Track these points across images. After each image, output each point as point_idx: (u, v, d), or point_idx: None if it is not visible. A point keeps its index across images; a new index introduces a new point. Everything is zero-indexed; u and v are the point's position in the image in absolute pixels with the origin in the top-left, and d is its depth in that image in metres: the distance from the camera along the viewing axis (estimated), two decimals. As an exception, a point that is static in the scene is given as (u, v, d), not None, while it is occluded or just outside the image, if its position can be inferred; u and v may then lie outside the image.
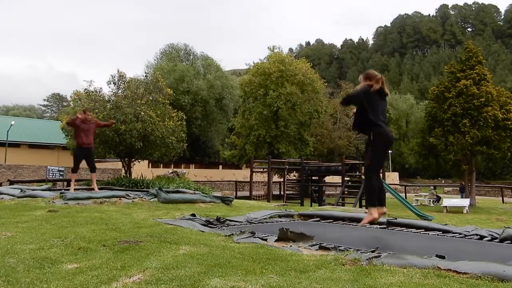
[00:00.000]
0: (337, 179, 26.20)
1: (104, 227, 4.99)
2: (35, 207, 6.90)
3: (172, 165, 32.79)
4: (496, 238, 5.23)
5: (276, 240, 4.44)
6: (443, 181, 52.70)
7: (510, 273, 2.76)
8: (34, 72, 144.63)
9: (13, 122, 33.53)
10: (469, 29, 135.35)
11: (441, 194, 29.99)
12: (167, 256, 3.42)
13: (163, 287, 2.57)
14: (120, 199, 8.12)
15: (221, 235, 4.70)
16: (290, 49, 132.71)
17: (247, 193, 23.56)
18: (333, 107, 36.12)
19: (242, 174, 35.06)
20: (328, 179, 27.84)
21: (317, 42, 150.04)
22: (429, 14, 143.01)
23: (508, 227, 5.29)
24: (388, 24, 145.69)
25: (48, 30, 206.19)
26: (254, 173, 22.14)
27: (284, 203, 13.77)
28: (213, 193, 11.41)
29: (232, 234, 4.67)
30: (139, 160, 15.40)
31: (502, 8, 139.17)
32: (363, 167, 19.85)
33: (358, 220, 6.81)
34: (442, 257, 3.31)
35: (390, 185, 20.26)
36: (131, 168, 15.04)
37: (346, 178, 20.55)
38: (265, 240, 4.42)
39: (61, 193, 8.50)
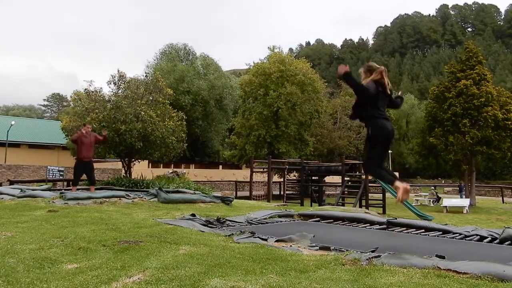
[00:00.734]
0: (337, 179, 26.19)
1: (104, 227, 4.99)
2: (35, 207, 6.90)
3: (172, 165, 32.76)
4: (496, 238, 5.23)
5: (276, 240, 4.45)
6: (443, 181, 52.66)
7: (510, 273, 2.76)
8: (34, 72, 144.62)
9: (13, 122, 33.53)
10: (469, 29, 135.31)
11: (441, 194, 29.98)
12: (167, 256, 3.42)
13: (163, 287, 2.57)
14: (120, 199, 8.12)
15: (221, 235, 4.70)
16: (290, 49, 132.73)
17: (247, 193, 23.55)
18: (333, 107, 36.09)
19: (242, 174, 35.05)
20: (328, 179, 27.83)
21: (317, 42, 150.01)
22: (429, 14, 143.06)
23: (508, 227, 5.29)
24: (388, 24, 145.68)
25: (48, 30, 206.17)
26: (254, 173, 22.12)
27: (284, 203, 13.77)
28: (213, 193, 11.41)
29: (232, 234, 4.67)
30: (139, 160, 15.39)
31: (502, 8, 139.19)
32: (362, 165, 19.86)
33: (358, 220, 6.81)
34: (442, 257, 3.31)
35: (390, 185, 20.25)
36: (131, 168, 15.03)
37: (346, 178, 20.54)
38: (265, 240, 4.42)
39: (61, 193, 8.51)
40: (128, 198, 8.31)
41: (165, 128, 13.68)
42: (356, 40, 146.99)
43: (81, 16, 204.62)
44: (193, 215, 6.34)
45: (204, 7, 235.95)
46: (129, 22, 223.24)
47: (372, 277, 2.82)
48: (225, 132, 41.84)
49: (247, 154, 29.66)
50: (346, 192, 20.78)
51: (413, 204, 20.16)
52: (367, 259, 3.28)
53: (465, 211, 19.47)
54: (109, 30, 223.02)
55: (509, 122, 21.73)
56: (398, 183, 3.75)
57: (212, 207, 8.33)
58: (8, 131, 31.94)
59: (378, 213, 11.76)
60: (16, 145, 35.04)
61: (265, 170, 22.44)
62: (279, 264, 3.24)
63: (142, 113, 13.15)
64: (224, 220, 6.21)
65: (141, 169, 20.22)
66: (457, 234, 5.55)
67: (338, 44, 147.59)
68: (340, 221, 6.87)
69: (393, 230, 6.02)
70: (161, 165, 31.21)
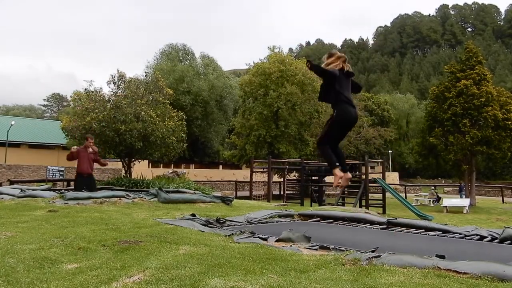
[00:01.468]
0: (337, 179, 26.13)
1: (104, 227, 4.99)
2: (35, 207, 6.89)
3: (172, 165, 32.77)
4: (496, 238, 5.23)
5: (276, 240, 4.45)
6: (443, 181, 52.68)
7: (510, 273, 2.76)
8: (34, 72, 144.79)
9: (13, 122, 33.52)
10: (469, 29, 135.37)
11: (441, 194, 29.98)
12: (167, 256, 3.42)
13: (163, 287, 2.57)
14: (120, 199, 8.11)
15: (221, 235, 4.70)
16: (290, 49, 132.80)
17: (247, 193, 23.55)
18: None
19: (242, 174, 35.05)
20: (328, 179, 27.82)
21: (317, 42, 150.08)
22: (429, 14, 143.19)
23: (508, 227, 5.29)
24: (388, 24, 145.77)
25: (48, 30, 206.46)
26: (254, 173, 22.12)
27: (284, 203, 13.77)
28: (213, 193, 11.41)
29: (232, 234, 4.67)
30: (139, 160, 15.40)
31: (502, 8, 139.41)
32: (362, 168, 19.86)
33: (358, 220, 6.81)
34: (442, 257, 3.31)
35: (390, 185, 20.27)
36: (131, 168, 15.03)
37: (346, 178, 20.50)
38: (265, 240, 4.42)
39: (61, 193, 8.50)
40: (128, 198, 8.31)
41: (165, 128, 13.68)
42: (356, 40, 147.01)
43: (81, 16, 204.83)
44: (193, 215, 6.34)
45: (204, 7, 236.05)
46: (129, 22, 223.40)
47: (372, 277, 2.82)
48: (225, 132, 41.84)
49: (247, 154, 29.66)
50: (346, 192, 20.78)
51: (413, 204, 20.17)
52: (367, 259, 3.28)
53: (465, 211, 19.48)
54: (109, 30, 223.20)
55: (509, 122, 21.74)
56: (337, 171, 3.87)
57: (212, 207, 8.33)
58: (8, 131, 31.94)
59: (378, 213, 11.76)
60: (16, 145, 35.04)
61: (265, 170, 22.44)
62: (279, 264, 3.24)
63: (142, 113, 13.14)
64: (224, 220, 6.21)
65: (141, 169, 20.23)
66: (457, 234, 5.55)
67: (338, 44, 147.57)
68: (340, 221, 6.87)
69: (393, 230, 6.02)
70: (161, 165, 31.23)
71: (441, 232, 5.74)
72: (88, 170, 9.36)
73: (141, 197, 8.61)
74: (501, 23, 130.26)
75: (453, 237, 5.47)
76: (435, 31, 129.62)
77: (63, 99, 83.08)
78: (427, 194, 26.77)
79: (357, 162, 22.33)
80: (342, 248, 4.04)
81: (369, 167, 19.96)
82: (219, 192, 20.72)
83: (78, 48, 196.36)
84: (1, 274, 2.80)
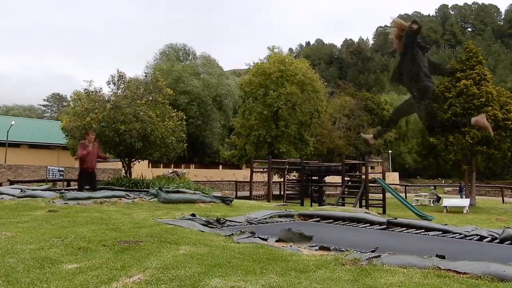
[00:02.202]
0: (337, 179, 26.19)
1: (104, 227, 4.99)
2: (35, 207, 6.89)
3: (172, 165, 32.76)
4: (496, 238, 5.23)
5: (277, 240, 4.45)
6: (443, 181, 52.68)
7: (510, 273, 2.76)
8: (34, 72, 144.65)
9: (13, 122, 33.53)
10: (469, 29, 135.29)
11: (441, 194, 29.99)
12: (167, 256, 3.42)
13: (163, 287, 2.57)
14: (120, 199, 8.11)
15: (221, 235, 4.70)
16: (290, 49, 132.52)
17: (247, 193, 23.55)
18: (333, 107, 36.11)
19: (242, 174, 35.05)
20: (328, 179, 27.84)
21: (317, 42, 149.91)
22: (429, 14, 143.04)
23: (508, 227, 5.29)
24: (388, 24, 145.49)
25: (49, 31, 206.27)
26: (254, 173, 22.13)
27: (284, 203, 13.77)
28: (213, 193, 11.41)
29: (232, 234, 4.67)
30: (139, 160, 15.39)
31: (502, 8, 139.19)
32: (362, 168, 19.86)
33: (358, 220, 6.81)
34: (442, 257, 3.31)
35: (390, 185, 20.28)
36: (131, 168, 15.03)
37: (346, 178, 20.55)
38: (265, 240, 4.42)
39: (61, 193, 8.50)
40: (128, 198, 8.31)
41: (165, 128, 13.68)
42: (356, 40, 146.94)
43: (81, 16, 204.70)
44: (193, 215, 6.34)
45: (204, 7, 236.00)
46: (129, 22, 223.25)
47: (372, 277, 2.82)
48: (222, 131, 41.77)
49: (247, 154, 29.65)
50: (346, 192, 20.79)
51: (413, 204, 20.17)
52: (367, 259, 3.28)
53: (465, 211, 19.48)
54: (109, 31, 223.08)
55: (509, 122, 21.74)
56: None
57: (212, 207, 8.33)
58: (8, 131, 31.94)
59: (378, 213, 11.76)
60: (16, 145, 35.04)
61: (265, 170, 22.44)
62: (279, 264, 3.24)
63: (142, 113, 13.14)
64: (224, 220, 6.21)
65: (141, 169, 20.21)
66: (457, 234, 5.55)
67: (338, 44, 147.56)
68: (340, 221, 6.87)
69: (393, 230, 6.02)
70: (161, 165, 31.21)
71: (441, 232, 5.74)
72: (93, 165, 9.64)
73: (141, 197, 8.61)
74: (501, 23, 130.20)
75: (453, 237, 5.47)
76: (435, 31, 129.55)
77: (63, 99, 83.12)
78: (427, 194, 26.78)
79: (357, 162, 22.33)
80: (342, 248, 4.04)
81: (369, 167, 19.96)
82: (219, 192, 20.72)
83: (78, 48, 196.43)
84: (1, 274, 2.80)
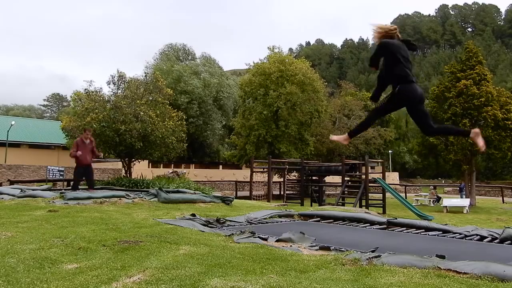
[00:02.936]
0: (337, 179, 26.19)
1: (104, 227, 4.99)
2: (35, 207, 6.89)
3: (172, 165, 32.76)
4: (496, 238, 5.23)
5: (277, 240, 4.45)
6: (443, 181, 52.68)
7: (510, 273, 2.76)
8: (34, 72, 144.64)
9: (13, 122, 33.51)
10: (469, 29, 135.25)
11: (441, 194, 29.99)
12: (167, 256, 3.42)
13: (163, 287, 2.57)
14: (120, 199, 8.11)
15: (221, 235, 4.70)
16: (290, 49, 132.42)
17: (247, 193, 23.55)
18: (333, 107, 36.10)
19: (242, 174, 35.05)
20: (328, 179, 27.83)
21: (317, 42, 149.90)
22: (429, 14, 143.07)
23: (508, 227, 5.29)
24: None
25: (49, 31, 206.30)
26: (254, 173, 22.12)
27: (284, 203, 13.77)
28: (213, 193, 11.41)
29: (232, 234, 4.67)
30: (139, 160, 15.39)
31: (502, 8, 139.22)
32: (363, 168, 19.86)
33: (358, 220, 6.82)
34: (442, 257, 3.31)
35: (390, 185, 20.27)
36: (131, 168, 15.02)
37: (346, 178, 20.54)
38: (265, 240, 4.42)
39: (61, 193, 8.50)
40: (128, 198, 8.31)
41: (165, 128, 13.67)
42: (356, 40, 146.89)
43: (80, 16, 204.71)
44: (193, 215, 6.34)
45: (205, 7, 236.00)
46: (129, 22, 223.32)
47: (372, 277, 2.82)
48: (224, 132, 41.77)
49: (247, 154, 29.65)
50: (346, 192, 20.78)
51: (413, 204, 20.17)
52: (367, 259, 3.28)
53: (465, 211, 19.48)
54: (109, 31, 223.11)
55: (509, 122, 21.74)
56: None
57: (212, 207, 8.33)
58: (8, 131, 31.93)
59: (378, 213, 11.76)
60: (16, 145, 35.02)
61: (265, 170, 22.43)
62: (279, 264, 3.24)
63: (142, 113, 13.14)
64: (224, 220, 6.21)
65: (141, 169, 20.22)
66: (457, 234, 5.55)
67: (338, 44, 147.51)
68: (340, 221, 6.87)
69: (393, 230, 6.02)
70: (161, 165, 31.22)
71: (441, 232, 5.74)
72: (87, 161, 9.72)
73: (141, 197, 8.61)
74: (501, 23, 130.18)
75: (453, 237, 5.47)
76: (435, 31, 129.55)
77: (63, 99, 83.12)
78: (427, 194, 26.78)
79: (357, 162, 22.31)
80: (342, 248, 4.04)
81: (369, 167, 19.94)
82: (219, 192, 20.72)
83: (78, 48, 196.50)
84: (1, 274, 2.80)
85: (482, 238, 5.35)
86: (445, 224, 6.54)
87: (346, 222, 6.79)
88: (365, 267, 3.08)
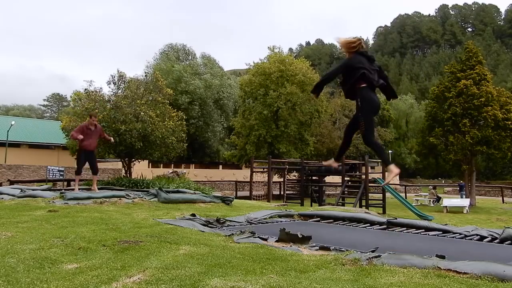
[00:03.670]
0: (337, 179, 26.19)
1: (104, 227, 4.99)
2: (35, 207, 6.89)
3: (172, 165, 32.75)
4: (496, 238, 5.23)
5: (277, 240, 4.45)
6: (443, 181, 52.69)
7: (510, 273, 2.76)
8: (34, 72, 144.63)
9: (13, 122, 33.51)
10: (469, 29, 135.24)
11: (441, 194, 29.99)
12: (167, 256, 3.42)
13: (163, 287, 2.57)
14: (120, 199, 8.11)
15: (221, 235, 4.70)
16: (290, 49, 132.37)
17: (247, 193, 23.55)
18: (333, 107, 36.10)
19: (242, 174, 35.05)
20: (328, 179, 27.84)
21: (317, 42, 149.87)
22: (429, 14, 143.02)
23: (508, 227, 5.29)
24: (388, 24, 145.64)
25: (49, 31, 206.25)
26: (254, 173, 22.12)
27: (284, 203, 13.77)
28: (213, 193, 11.40)
29: (232, 234, 4.67)
30: (139, 160, 15.39)
31: (502, 8, 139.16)
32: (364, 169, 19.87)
33: (358, 220, 6.82)
34: (442, 257, 3.31)
35: (390, 185, 20.27)
36: (131, 168, 15.02)
37: (346, 178, 20.55)
38: (265, 240, 4.42)
39: (61, 193, 8.50)
40: (128, 198, 8.30)
41: (165, 128, 13.68)
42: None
43: (80, 16, 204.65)
44: (193, 215, 6.34)
45: (205, 7, 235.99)
46: (129, 22, 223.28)
47: (372, 277, 2.82)
48: (224, 132, 41.78)
49: (247, 154, 29.65)
50: (346, 192, 20.78)
51: (413, 204, 20.17)
52: (367, 259, 3.28)
53: (465, 211, 19.48)
54: (109, 31, 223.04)
55: (509, 122, 21.74)
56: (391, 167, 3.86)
57: (212, 207, 8.33)
58: (8, 131, 31.93)
59: (378, 213, 11.76)
60: (16, 145, 35.03)
61: (265, 170, 22.44)
62: (279, 264, 3.24)
63: (142, 113, 13.14)
64: (224, 220, 6.21)
65: (141, 169, 20.22)
66: (457, 234, 5.55)
67: (338, 44, 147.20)
68: (340, 221, 6.87)
69: (393, 230, 6.02)
70: (161, 165, 31.21)
71: (441, 232, 5.74)
72: (90, 147, 9.63)
73: (141, 197, 8.60)
74: (501, 23, 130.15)
75: (453, 237, 5.47)
76: (435, 31, 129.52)
77: (63, 99, 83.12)
78: (427, 194, 26.78)
79: (357, 162, 22.32)
80: (342, 248, 4.04)
81: (369, 167, 19.95)
82: (219, 192, 20.73)
83: (78, 48, 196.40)
84: (1, 274, 2.80)
85: (482, 238, 5.35)
86: (445, 224, 6.54)
87: (346, 222, 6.79)
88: (365, 267, 3.08)
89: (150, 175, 18.03)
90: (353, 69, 3.93)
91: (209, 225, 5.72)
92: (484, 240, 5.26)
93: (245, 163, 31.73)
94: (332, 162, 4.45)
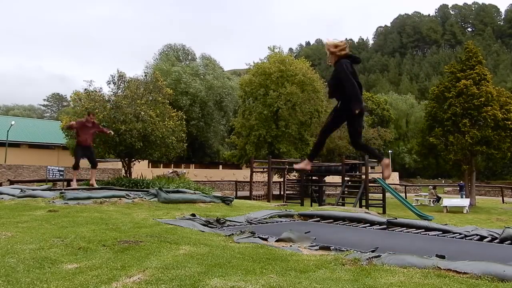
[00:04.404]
0: (337, 179, 26.19)
1: (104, 227, 4.99)
2: (35, 207, 6.89)
3: (172, 165, 32.74)
4: (496, 238, 5.23)
5: (277, 240, 4.45)
6: (443, 181, 52.67)
7: (510, 273, 2.76)
8: (34, 72, 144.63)
9: (13, 122, 33.50)
10: (469, 29, 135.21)
11: (441, 194, 29.99)
12: (167, 256, 3.42)
13: (163, 287, 2.57)
14: (120, 199, 8.10)
15: (221, 235, 4.70)
16: (290, 49, 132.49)
17: (247, 193, 23.55)
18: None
19: (242, 174, 35.05)
20: (328, 179, 27.83)
21: (317, 42, 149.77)
22: (429, 14, 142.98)
23: (508, 227, 5.29)
24: (388, 24, 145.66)
25: (48, 31, 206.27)
26: (254, 173, 22.12)
27: (284, 203, 13.77)
28: (213, 193, 11.40)
29: (232, 234, 4.66)
30: (139, 160, 15.39)
31: (502, 8, 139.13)
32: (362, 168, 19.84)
33: (358, 220, 6.81)
34: (442, 257, 3.31)
35: (390, 185, 20.27)
36: (131, 168, 15.02)
37: (346, 178, 20.54)
38: (265, 240, 4.42)
39: (61, 193, 8.49)
40: (128, 198, 8.30)
41: (165, 128, 13.68)
42: (356, 40, 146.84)
43: (80, 16, 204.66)
44: (193, 215, 6.34)
45: (205, 7, 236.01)
46: (129, 22, 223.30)
47: (372, 277, 2.82)
48: (224, 132, 41.79)
49: (247, 154, 29.65)
50: (346, 192, 20.78)
51: (413, 204, 20.16)
52: (367, 259, 3.28)
53: (465, 211, 19.48)
54: (109, 31, 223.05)
55: (509, 122, 21.74)
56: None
57: (212, 207, 8.32)
58: (8, 131, 31.92)
59: (378, 213, 11.76)
60: (16, 145, 35.03)
61: (265, 170, 22.43)
62: (279, 264, 3.24)
63: (142, 113, 13.15)
64: (224, 220, 6.20)
65: (141, 169, 20.23)
66: (457, 234, 5.55)
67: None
68: (340, 221, 6.87)
69: (393, 230, 6.02)
70: (161, 165, 31.20)
71: (441, 232, 5.73)
72: (87, 142, 9.88)
73: (141, 197, 8.60)
74: (501, 23, 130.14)
75: (453, 237, 5.47)
76: (435, 31, 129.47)
77: (63, 99, 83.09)
78: (427, 194, 26.78)
79: (357, 162, 22.31)
80: (342, 248, 4.04)
81: (369, 167, 19.96)
82: (219, 192, 20.73)
83: (78, 48, 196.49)
84: (1, 274, 2.80)
85: (482, 238, 5.34)
86: (445, 224, 6.54)
87: (346, 222, 6.79)
88: (365, 267, 3.08)
89: (150, 175, 18.03)
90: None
91: (209, 225, 5.72)
92: (484, 240, 5.26)
93: (245, 163, 31.72)
94: (305, 165, 4.34)
